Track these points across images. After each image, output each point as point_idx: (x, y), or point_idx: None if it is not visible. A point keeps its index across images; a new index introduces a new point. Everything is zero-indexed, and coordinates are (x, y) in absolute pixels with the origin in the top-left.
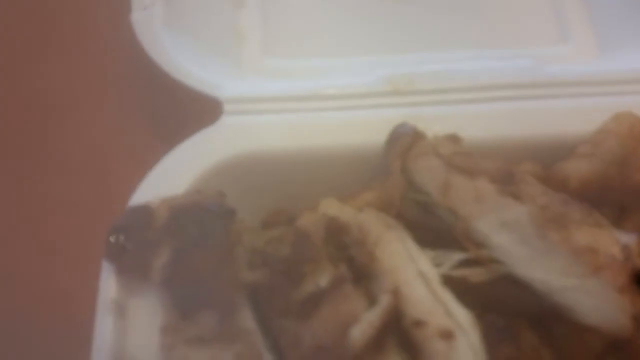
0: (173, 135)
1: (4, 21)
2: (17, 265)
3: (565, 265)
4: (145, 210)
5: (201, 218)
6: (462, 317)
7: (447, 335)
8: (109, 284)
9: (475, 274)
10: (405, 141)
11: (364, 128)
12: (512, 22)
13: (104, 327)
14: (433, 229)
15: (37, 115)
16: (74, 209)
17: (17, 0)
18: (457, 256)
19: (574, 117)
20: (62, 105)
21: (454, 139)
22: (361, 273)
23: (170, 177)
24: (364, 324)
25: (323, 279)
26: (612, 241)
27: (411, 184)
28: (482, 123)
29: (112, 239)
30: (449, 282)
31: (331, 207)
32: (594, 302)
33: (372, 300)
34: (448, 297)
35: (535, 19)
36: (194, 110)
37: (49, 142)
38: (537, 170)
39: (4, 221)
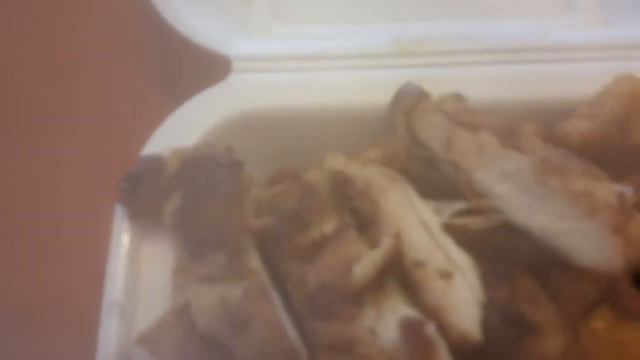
0: (184, 92)
1: None
2: (35, 213)
3: (562, 209)
4: (156, 160)
5: (211, 168)
6: (461, 260)
7: (446, 275)
8: (122, 227)
9: (475, 222)
10: (410, 100)
11: (370, 88)
12: None
13: (117, 269)
14: (436, 183)
15: (54, 73)
16: (89, 160)
17: None
18: (459, 206)
19: (577, 81)
20: (79, 62)
21: (457, 97)
22: (365, 222)
23: (180, 130)
24: (366, 263)
25: (328, 226)
26: (608, 188)
27: (415, 141)
28: (487, 85)
29: (124, 185)
30: (450, 229)
31: (337, 162)
32: (589, 243)
33: (374, 246)
34: (448, 242)
35: None
36: (204, 68)
37: (65, 98)
38: (539, 130)
39: (23, 172)
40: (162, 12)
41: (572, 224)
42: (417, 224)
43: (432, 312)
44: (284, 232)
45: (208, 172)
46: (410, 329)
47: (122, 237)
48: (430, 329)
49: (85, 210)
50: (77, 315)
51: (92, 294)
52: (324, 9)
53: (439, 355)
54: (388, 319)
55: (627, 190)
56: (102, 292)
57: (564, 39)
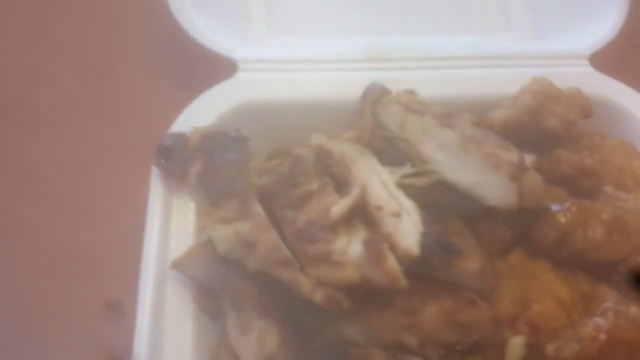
0: (199, 87)
1: None
2: (92, 177)
3: (477, 167)
4: (182, 136)
5: (223, 141)
6: (408, 206)
7: (397, 215)
8: (158, 186)
9: (420, 181)
10: (375, 94)
11: (346, 85)
12: (469, 14)
13: (154, 216)
14: (393, 154)
15: (91, 72)
16: (126, 138)
17: None
18: (408, 170)
19: (504, 83)
20: (112, 64)
21: (410, 92)
22: (340, 184)
23: (199, 115)
24: (341, 205)
25: (313, 185)
26: (511, 152)
27: (378, 124)
28: (435, 85)
29: (159, 154)
30: (401, 186)
31: (320, 140)
32: (495, 189)
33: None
34: (399, 194)
35: (486, 12)
36: (215, 69)
37: (101, 92)
38: (472, 117)
39: (79, 148)
40: (183, 25)
41: (484, 177)
42: (378, 182)
43: (386, 238)
44: (280, 189)
45: (221, 144)
46: (370, 244)
47: (158, 192)
48: (384, 244)
49: (129, 173)
50: (126, 245)
51: (135, 234)
52: (309, 24)
53: (390, 261)
54: (355, 241)
55: (530, 158)
56: (144, 231)
57: (496, 51)
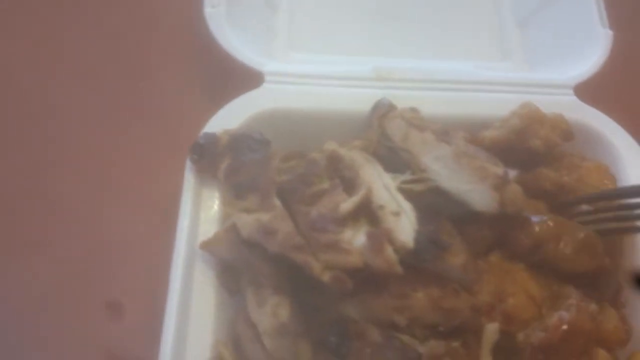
0: (229, 95)
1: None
2: (132, 170)
3: (467, 177)
4: (213, 136)
5: (249, 142)
6: (406, 207)
7: (396, 214)
8: (190, 178)
9: (417, 187)
10: (383, 109)
11: (357, 100)
12: (470, 42)
13: (187, 204)
14: (395, 162)
15: (131, 79)
16: (165, 137)
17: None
18: (408, 176)
19: (496, 106)
20: (154, 71)
21: (413, 109)
22: (348, 185)
23: (228, 119)
24: (348, 203)
25: (324, 185)
26: (497, 167)
27: (384, 135)
28: (435, 104)
29: (193, 150)
30: (401, 190)
31: (332, 146)
32: (480, 197)
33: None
34: (399, 196)
35: (486, 40)
36: (244, 80)
37: (145, 95)
38: (465, 135)
39: (126, 144)
40: (218, 38)
41: (472, 186)
42: (381, 185)
43: (386, 232)
44: (296, 187)
45: (247, 144)
46: (372, 235)
47: (190, 183)
48: (384, 237)
49: (166, 167)
50: (160, 228)
51: (168, 220)
52: (326, 44)
53: (388, 250)
54: (360, 233)
55: (513, 173)
56: (177, 218)
57: (491, 77)
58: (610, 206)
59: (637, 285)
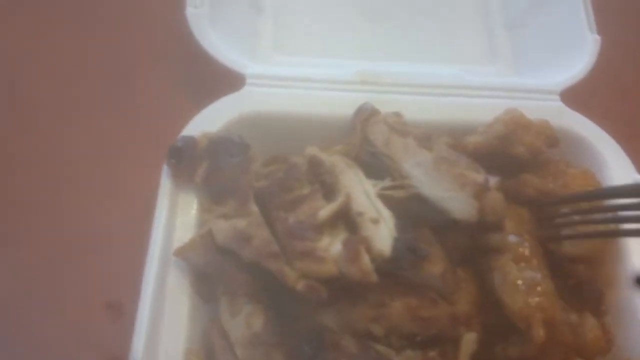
0: (210, 97)
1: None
2: (107, 174)
3: (447, 184)
4: (192, 139)
5: (228, 146)
6: (385, 214)
7: (375, 221)
8: (167, 183)
9: (398, 193)
10: (365, 114)
11: (340, 104)
12: (456, 46)
13: (162, 209)
14: (376, 167)
15: (109, 79)
16: (142, 139)
17: None
18: (388, 182)
19: (482, 111)
20: (134, 72)
21: (397, 114)
22: (328, 190)
23: (208, 121)
24: (327, 209)
25: (304, 191)
26: (477, 174)
27: (366, 140)
28: (419, 109)
29: (170, 154)
30: (382, 196)
31: (313, 151)
32: (460, 204)
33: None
34: (379, 203)
35: (472, 45)
36: (225, 82)
37: (123, 96)
38: (448, 140)
39: (97, 144)
40: (199, 40)
41: (451, 193)
42: (361, 191)
43: (363, 240)
44: (274, 192)
45: (226, 148)
46: (348, 243)
47: (166, 188)
48: (361, 245)
49: (142, 170)
50: (133, 232)
51: (145, 224)
52: (310, 47)
53: (364, 259)
54: (337, 241)
55: (493, 179)
56: (152, 222)
57: (476, 82)
58: (594, 208)
59: (637, 287)
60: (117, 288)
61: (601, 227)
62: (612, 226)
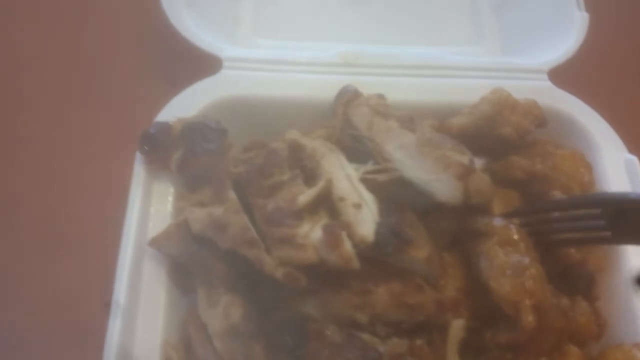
0: (185, 81)
1: None
2: (77, 159)
3: (430, 167)
4: (166, 125)
5: (204, 131)
6: (368, 198)
7: (357, 206)
8: (140, 170)
9: (381, 177)
10: (347, 96)
11: (321, 87)
12: (442, 27)
13: (135, 198)
14: (359, 151)
15: (83, 63)
16: (113, 125)
17: None
18: (371, 166)
19: (468, 92)
20: (103, 56)
21: (380, 96)
22: (309, 176)
23: (183, 106)
24: (307, 194)
25: (285, 176)
26: (462, 155)
27: (348, 123)
28: (402, 90)
29: (143, 140)
30: (364, 180)
31: (294, 135)
32: (444, 187)
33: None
34: (362, 188)
35: (458, 25)
36: (201, 65)
37: (93, 82)
38: (433, 123)
39: (69, 132)
40: (174, 22)
41: (434, 175)
42: (343, 176)
43: (345, 225)
44: (253, 178)
45: (202, 134)
46: (328, 229)
47: (140, 176)
48: (342, 230)
49: (114, 157)
50: (106, 220)
51: (117, 212)
52: (291, 29)
53: (345, 244)
54: (318, 227)
55: (480, 161)
56: (125, 211)
57: (462, 62)
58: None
59: (637, 287)
60: (94, 280)
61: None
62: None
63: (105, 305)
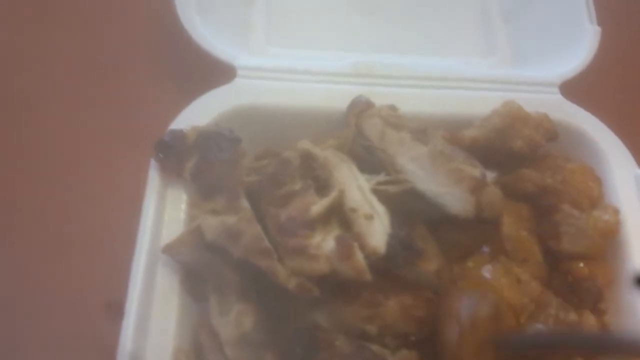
0: (200, 89)
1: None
2: (94, 166)
3: (443, 179)
4: (180, 133)
5: (218, 140)
6: (380, 209)
7: (369, 217)
8: (155, 177)
9: (392, 188)
10: (360, 107)
11: (334, 97)
12: (454, 38)
13: (150, 205)
14: (371, 162)
15: (95, 71)
16: (129, 132)
17: None
18: (383, 177)
19: (480, 104)
20: (121, 64)
21: (392, 107)
22: (321, 185)
23: (197, 114)
24: (319, 205)
25: (296, 186)
26: (474, 168)
27: (360, 134)
28: (415, 102)
29: (158, 148)
30: (376, 191)
31: (306, 145)
32: (456, 200)
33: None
34: (373, 199)
35: (469, 37)
36: (215, 74)
37: (103, 91)
38: (445, 134)
39: (81, 139)
40: (188, 30)
41: (447, 188)
42: (355, 187)
43: (357, 236)
44: (266, 187)
45: (216, 142)
46: (341, 240)
47: (154, 183)
48: (354, 242)
49: (129, 164)
50: (121, 229)
51: (131, 219)
52: (304, 38)
53: (357, 256)
54: (330, 238)
55: (491, 175)
56: (139, 218)
57: (474, 74)
58: None
59: (637, 287)
60: (107, 286)
61: None
62: None
63: (106, 306)
